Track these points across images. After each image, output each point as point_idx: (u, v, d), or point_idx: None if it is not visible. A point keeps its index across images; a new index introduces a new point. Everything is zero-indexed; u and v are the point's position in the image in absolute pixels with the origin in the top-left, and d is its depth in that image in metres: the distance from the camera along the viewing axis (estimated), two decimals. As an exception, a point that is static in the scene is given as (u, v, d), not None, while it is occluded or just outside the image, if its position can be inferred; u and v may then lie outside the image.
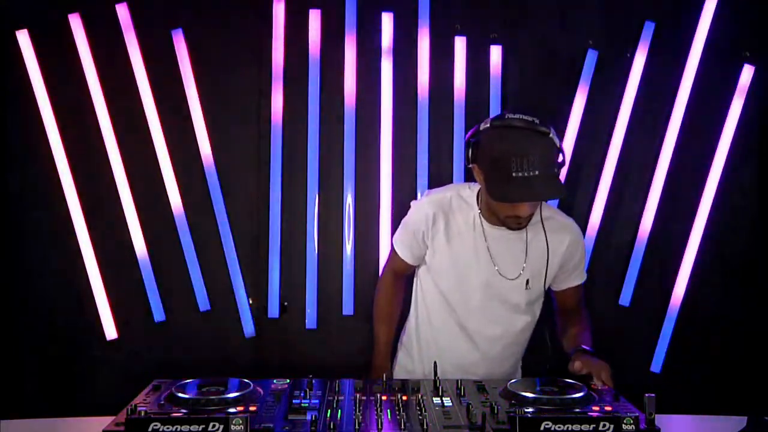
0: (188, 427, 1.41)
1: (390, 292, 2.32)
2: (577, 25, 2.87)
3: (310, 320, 2.84)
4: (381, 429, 1.50)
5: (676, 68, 2.83)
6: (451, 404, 1.67)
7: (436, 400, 1.70)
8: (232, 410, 1.56)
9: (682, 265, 2.84)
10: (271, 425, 1.50)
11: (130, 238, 2.80)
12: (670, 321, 2.84)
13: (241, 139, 2.85)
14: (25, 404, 2.80)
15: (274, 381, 1.84)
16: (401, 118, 2.84)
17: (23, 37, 2.76)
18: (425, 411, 1.60)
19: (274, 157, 2.82)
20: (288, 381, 1.84)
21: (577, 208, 2.86)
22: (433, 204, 2.10)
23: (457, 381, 1.79)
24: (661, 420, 1.51)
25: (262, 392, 1.72)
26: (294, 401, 1.66)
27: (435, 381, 1.81)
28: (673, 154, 2.83)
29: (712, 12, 2.82)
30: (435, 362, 1.89)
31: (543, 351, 2.14)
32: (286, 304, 2.85)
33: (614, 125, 2.84)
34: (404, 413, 1.59)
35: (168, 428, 1.41)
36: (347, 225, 2.83)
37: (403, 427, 1.52)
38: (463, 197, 2.10)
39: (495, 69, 2.85)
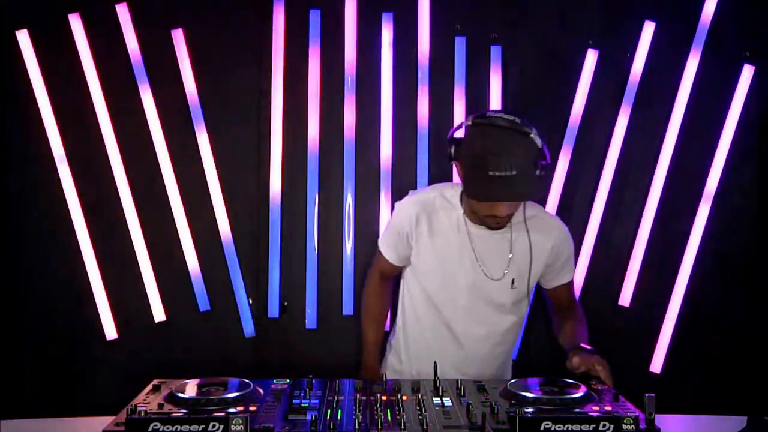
0: (188, 427, 1.41)
1: (377, 294, 2.31)
2: (577, 25, 2.87)
3: (310, 320, 2.84)
4: (381, 429, 1.50)
5: (676, 68, 2.83)
6: (451, 404, 1.67)
7: (436, 400, 1.70)
8: (232, 410, 1.56)
9: (682, 265, 2.84)
10: (271, 425, 1.50)
11: (130, 238, 2.80)
12: (670, 321, 2.84)
13: (241, 139, 2.85)
14: (25, 404, 2.80)
15: (274, 381, 1.84)
16: (401, 118, 2.84)
17: (23, 37, 2.76)
18: (425, 411, 1.60)
19: (274, 157, 2.82)
20: (288, 381, 1.84)
21: (577, 208, 2.86)
22: (416, 205, 2.10)
23: (457, 381, 1.79)
24: (661, 420, 1.51)
25: (262, 392, 1.72)
26: (294, 401, 1.66)
27: (435, 381, 1.81)
28: (673, 154, 2.83)
29: (712, 12, 2.82)
30: (435, 362, 1.89)
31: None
32: (286, 304, 2.85)
33: (614, 125, 2.84)
34: (404, 413, 1.59)
35: (168, 428, 1.41)
36: (347, 225, 2.83)
37: (403, 427, 1.52)
38: (446, 197, 2.09)
39: (495, 69, 2.85)
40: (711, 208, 2.83)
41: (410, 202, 2.13)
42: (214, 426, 1.41)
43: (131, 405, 1.51)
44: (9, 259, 2.80)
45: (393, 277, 2.30)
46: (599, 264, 2.86)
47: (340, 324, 2.83)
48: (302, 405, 1.63)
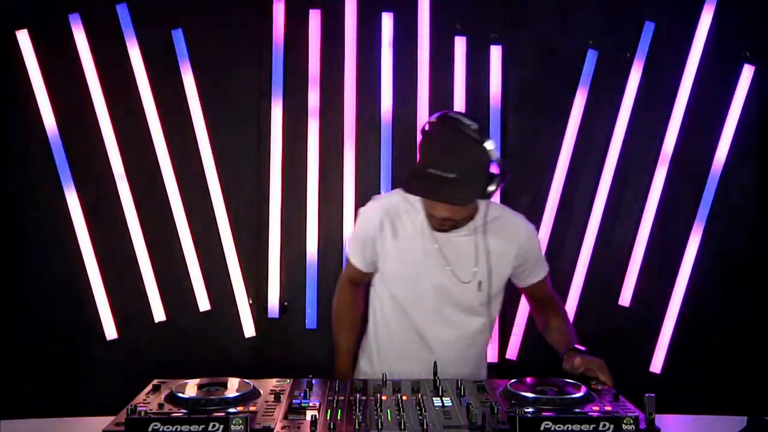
0: (188, 427, 1.41)
1: (348, 301, 2.28)
2: (577, 25, 2.87)
3: (310, 320, 2.84)
4: (381, 429, 1.50)
5: (676, 68, 2.83)
6: (451, 404, 1.67)
7: (436, 400, 1.69)
8: (232, 410, 1.56)
9: (682, 265, 2.84)
10: (271, 425, 1.50)
11: (130, 238, 2.80)
12: (670, 321, 2.84)
13: (241, 139, 2.85)
14: (25, 404, 2.80)
15: (274, 381, 1.84)
16: (401, 117, 2.84)
17: (23, 37, 2.76)
18: (425, 411, 1.60)
19: (274, 157, 2.82)
20: (288, 381, 1.84)
21: (577, 208, 2.86)
22: (379, 210, 2.06)
23: (457, 381, 1.79)
24: (661, 420, 1.51)
25: (262, 392, 1.72)
26: (294, 401, 1.65)
27: (435, 381, 1.81)
28: (673, 154, 2.83)
29: (712, 12, 2.82)
30: (435, 362, 1.89)
31: None
32: (286, 304, 2.85)
33: (614, 125, 2.84)
34: (404, 413, 1.59)
35: (168, 428, 1.41)
36: (347, 225, 2.83)
37: (403, 427, 1.52)
38: (410, 201, 2.05)
39: (495, 69, 2.85)
40: (711, 208, 2.83)
41: (373, 207, 2.10)
42: (214, 426, 1.41)
43: (131, 405, 1.50)
44: (9, 259, 2.80)
45: (364, 284, 2.27)
46: (599, 264, 2.86)
47: (340, 324, 2.83)
48: (302, 405, 1.63)
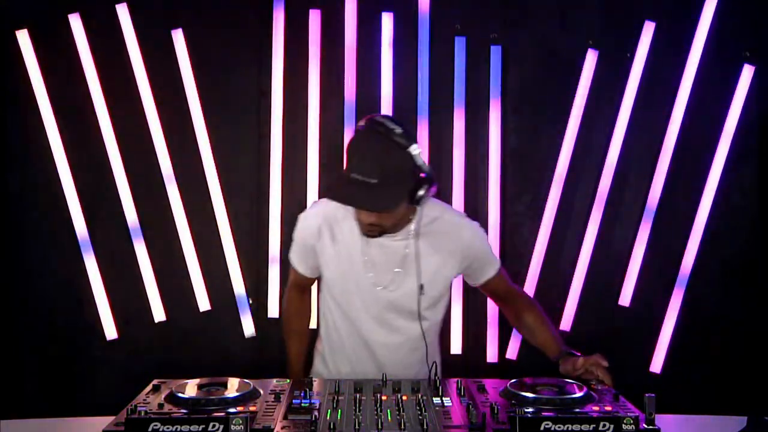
0: (188, 427, 1.41)
1: (295, 307, 2.27)
2: (577, 25, 2.87)
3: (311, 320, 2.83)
4: (381, 429, 1.50)
5: (676, 68, 2.83)
6: (451, 404, 1.67)
7: (436, 400, 1.69)
8: (232, 410, 1.56)
9: (682, 265, 2.84)
10: (271, 425, 1.50)
11: (130, 238, 2.80)
12: (670, 321, 2.84)
13: (241, 139, 2.85)
14: (25, 404, 2.79)
15: (274, 381, 1.84)
16: (401, 118, 2.82)
17: (23, 37, 2.76)
18: (425, 411, 1.60)
19: (274, 157, 2.82)
20: (288, 381, 1.84)
21: (577, 208, 2.86)
22: (318, 216, 2.04)
23: (458, 381, 1.80)
24: (661, 420, 1.50)
25: (262, 392, 1.72)
26: (294, 401, 1.65)
27: (435, 381, 1.81)
28: (673, 154, 2.83)
29: (712, 12, 2.82)
30: (434, 362, 1.89)
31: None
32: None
33: (614, 125, 2.84)
34: (404, 413, 1.59)
35: (168, 428, 1.41)
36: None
37: (403, 427, 1.52)
38: (348, 207, 1.99)
39: (495, 69, 2.85)
40: (711, 208, 2.83)
41: (312, 213, 2.08)
42: (214, 426, 1.41)
43: (131, 405, 1.51)
44: (9, 259, 2.80)
45: (311, 288, 2.27)
46: (599, 264, 2.86)
47: (340, 324, 2.83)
48: (302, 405, 1.63)
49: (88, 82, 2.78)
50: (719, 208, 2.84)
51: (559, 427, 1.42)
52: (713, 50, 2.82)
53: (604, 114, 2.85)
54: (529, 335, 2.13)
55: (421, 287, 2.00)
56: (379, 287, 2.00)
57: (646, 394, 1.49)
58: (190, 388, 1.69)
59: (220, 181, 2.83)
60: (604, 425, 1.43)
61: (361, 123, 1.85)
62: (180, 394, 1.64)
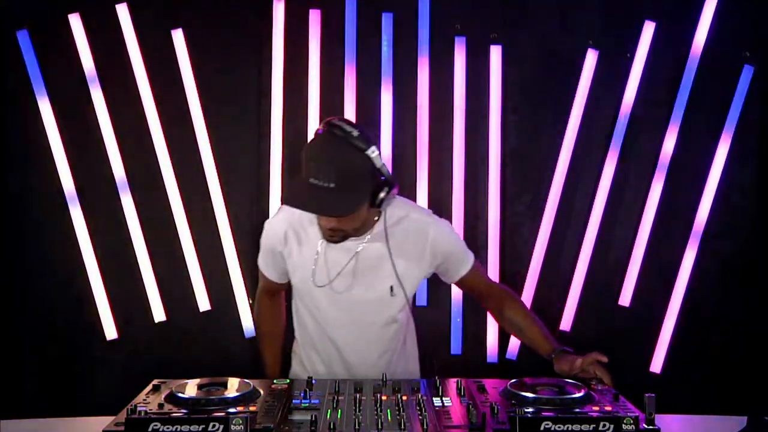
0: (188, 427, 1.41)
1: (268, 312, 2.25)
2: (577, 25, 2.87)
3: (310, 320, 2.83)
4: (381, 429, 1.50)
5: (676, 68, 2.83)
6: (451, 404, 1.67)
7: (436, 400, 1.69)
8: (232, 410, 1.56)
9: (682, 265, 2.84)
10: (271, 425, 1.50)
11: (130, 238, 2.80)
12: (670, 321, 2.84)
13: (241, 139, 2.85)
14: (25, 404, 2.80)
15: (274, 381, 1.84)
16: (401, 118, 2.85)
17: (23, 37, 2.76)
18: (425, 411, 1.60)
19: (274, 157, 2.82)
20: (288, 381, 1.84)
21: (577, 208, 2.86)
22: (283, 222, 2.02)
23: (458, 381, 1.79)
24: (661, 420, 1.51)
25: (262, 392, 1.72)
26: (294, 401, 1.66)
27: (435, 381, 1.81)
28: (673, 154, 2.83)
29: (712, 12, 2.82)
30: (434, 361, 1.88)
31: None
32: (286, 304, 2.84)
33: (614, 125, 2.84)
34: (404, 413, 1.59)
35: (168, 428, 1.41)
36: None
37: (403, 427, 1.52)
38: None
39: (495, 69, 2.85)
40: (711, 208, 2.83)
41: (277, 220, 2.04)
42: (214, 426, 1.41)
43: (131, 405, 1.50)
44: (9, 259, 2.80)
45: (282, 293, 2.25)
46: (599, 264, 2.86)
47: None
48: (302, 405, 1.63)
49: (88, 82, 2.78)
50: (719, 208, 2.84)
51: (559, 427, 1.42)
52: (713, 50, 2.82)
53: (604, 114, 2.85)
54: (517, 332, 2.10)
55: (391, 288, 1.99)
56: (346, 291, 1.98)
57: (646, 394, 1.49)
58: (190, 388, 1.69)
59: (220, 181, 2.83)
60: (604, 425, 1.43)
61: (319, 127, 1.81)
62: (180, 394, 1.64)
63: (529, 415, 1.46)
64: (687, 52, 2.83)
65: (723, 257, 2.86)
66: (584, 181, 2.87)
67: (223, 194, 2.83)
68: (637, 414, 1.47)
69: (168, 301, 2.84)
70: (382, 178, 1.82)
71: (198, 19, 2.83)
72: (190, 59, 2.81)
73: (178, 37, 2.81)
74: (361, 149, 1.76)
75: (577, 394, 1.67)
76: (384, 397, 1.68)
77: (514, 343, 2.86)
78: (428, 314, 2.85)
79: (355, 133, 1.77)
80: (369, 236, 1.96)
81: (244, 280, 2.84)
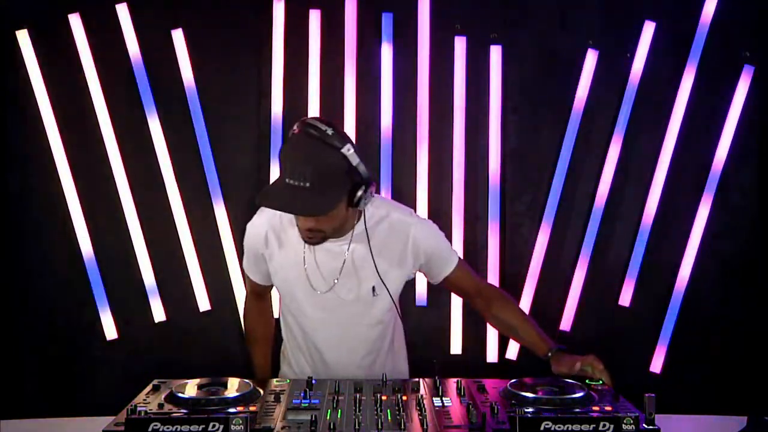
0: (188, 427, 1.41)
1: (254, 314, 2.25)
2: (577, 25, 2.87)
3: (310, 320, 2.83)
4: (381, 429, 1.50)
5: (676, 68, 2.83)
6: (451, 404, 1.67)
7: (436, 400, 1.69)
8: (232, 410, 1.56)
9: (682, 265, 2.84)
10: (271, 425, 1.50)
11: (130, 238, 2.80)
12: (670, 321, 2.84)
13: (241, 139, 2.85)
14: (25, 404, 2.79)
15: (274, 381, 1.84)
16: (401, 118, 2.84)
17: (23, 37, 2.76)
18: (425, 411, 1.60)
19: (274, 158, 2.82)
20: (288, 381, 1.84)
21: (577, 208, 2.86)
22: (263, 224, 2.01)
23: (458, 381, 1.80)
24: (661, 420, 1.51)
25: (262, 392, 1.72)
26: (294, 401, 1.66)
27: (435, 381, 1.81)
28: (673, 154, 2.83)
29: (712, 12, 2.82)
30: (435, 361, 1.88)
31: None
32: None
33: (614, 125, 2.84)
34: (404, 413, 1.59)
35: (168, 428, 1.41)
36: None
37: (403, 427, 1.52)
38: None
39: (495, 69, 2.85)
40: (711, 208, 2.83)
41: (259, 221, 2.03)
42: (214, 426, 1.41)
43: (131, 405, 1.51)
44: (9, 259, 2.80)
45: (269, 295, 2.25)
46: (599, 264, 2.86)
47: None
48: (302, 405, 1.63)
49: (88, 82, 2.78)
50: (719, 208, 2.84)
51: (559, 427, 1.42)
52: (713, 50, 2.82)
53: (604, 114, 2.85)
54: (510, 332, 2.10)
55: (373, 289, 1.98)
56: (328, 293, 1.97)
57: (646, 394, 1.49)
58: (190, 388, 1.69)
59: (219, 181, 2.83)
60: (604, 425, 1.43)
61: (295, 127, 1.80)
62: (180, 394, 1.64)
63: (529, 415, 1.46)
64: (687, 52, 2.83)
65: (723, 257, 2.86)
66: (584, 181, 2.87)
67: (223, 194, 2.83)
68: (637, 414, 1.47)
69: (168, 301, 2.83)
70: (359, 176, 1.79)
71: (198, 19, 2.83)
72: (190, 59, 2.81)
73: (178, 37, 2.80)
74: (337, 147, 1.74)
75: (577, 394, 1.67)
76: (384, 397, 1.68)
77: (514, 343, 2.86)
78: (428, 314, 2.86)
79: (330, 131, 1.74)
80: (349, 237, 1.95)
81: (243, 280, 2.83)
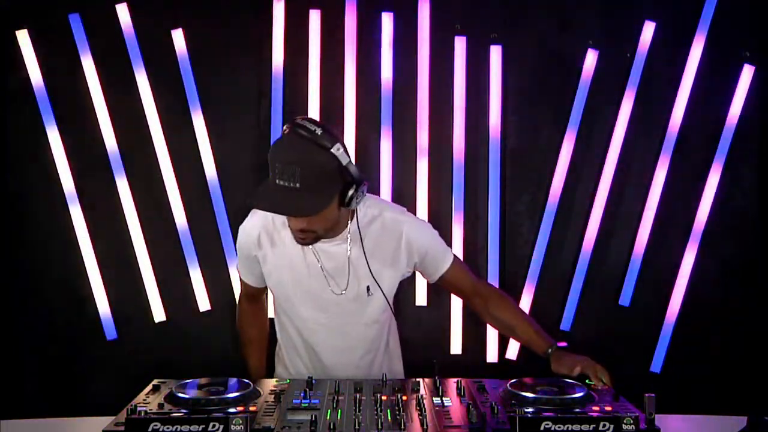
0: (188, 427, 1.41)
1: (248, 317, 2.25)
2: (577, 25, 2.87)
3: (310, 320, 2.83)
4: (381, 429, 1.50)
5: (676, 68, 2.83)
6: (451, 404, 1.67)
7: (436, 400, 1.70)
8: (232, 410, 1.56)
9: (682, 265, 2.84)
10: (271, 425, 1.50)
11: (131, 238, 2.80)
12: (670, 321, 2.84)
13: (241, 139, 2.85)
14: (25, 404, 2.80)
15: (274, 381, 1.84)
16: (401, 118, 2.84)
17: (23, 37, 2.76)
18: (425, 411, 1.60)
19: (274, 157, 2.82)
20: (288, 381, 1.84)
21: (577, 208, 2.86)
22: (256, 225, 2.01)
23: (458, 381, 1.80)
24: (661, 420, 1.51)
25: (262, 392, 1.72)
26: (294, 401, 1.66)
27: (435, 381, 1.81)
28: (673, 154, 2.83)
29: (712, 12, 2.82)
30: (435, 361, 1.88)
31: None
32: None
33: (614, 125, 2.84)
34: (404, 413, 1.59)
35: (168, 428, 1.41)
36: (347, 225, 2.82)
37: (403, 427, 1.52)
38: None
39: (495, 69, 2.85)
40: (711, 208, 2.83)
41: (251, 223, 2.03)
42: (214, 426, 1.41)
43: (131, 405, 1.51)
44: (9, 259, 2.80)
45: (263, 297, 2.24)
46: (599, 264, 2.86)
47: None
48: (302, 405, 1.63)
49: (88, 82, 2.78)
50: (719, 208, 2.84)
51: (559, 427, 1.42)
52: (713, 50, 2.82)
53: (604, 114, 2.85)
54: (508, 331, 2.10)
55: (368, 289, 1.98)
56: (322, 293, 1.97)
57: (646, 394, 1.49)
58: (190, 388, 1.69)
59: (220, 181, 2.83)
60: (604, 425, 1.43)
61: (284, 127, 1.80)
62: (180, 394, 1.64)
63: (529, 415, 1.46)
64: (687, 52, 2.83)
65: (723, 257, 2.86)
66: (584, 181, 2.87)
67: (223, 194, 2.83)
68: (637, 414, 1.47)
69: (168, 301, 2.83)
70: (350, 176, 1.78)
71: (198, 19, 2.83)
72: (190, 59, 2.81)
73: (178, 37, 2.80)
74: (326, 147, 1.73)
75: (577, 394, 1.67)
76: (384, 397, 1.68)
77: (514, 343, 2.86)
78: (428, 314, 2.86)
79: (319, 131, 1.74)
80: (342, 237, 1.95)
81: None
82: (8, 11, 2.77)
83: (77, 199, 2.79)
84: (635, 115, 2.83)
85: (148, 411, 1.51)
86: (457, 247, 2.82)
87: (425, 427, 1.50)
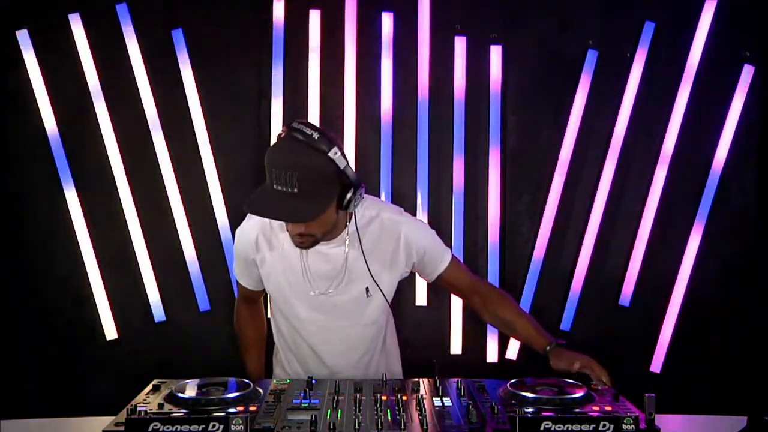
0: (188, 427, 1.41)
1: (246, 319, 2.25)
2: (577, 25, 2.87)
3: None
4: (381, 429, 1.50)
5: (676, 68, 2.83)
6: (451, 404, 1.67)
7: (436, 400, 1.70)
8: (232, 410, 1.56)
9: (682, 265, 2.84)
10: (271, 425, 1.50)
11: (131, 238, 2.80)
12: (670, 321, 2.84)
13: (241, 140, 2.85)
14: (25, 404, 2.80)
15: (274, 381, 1.84)
16: (401, 118, 2.84)
17: (23, 37, 2.76)
18: (425, 411, 1.61)
19: (274, 157, 2.82)
20: (288, 381, 1.84)
21: (577, 208, 2.86)
22: (253, 228, 2.00)
23: (458, 381, 1.80)
24: (661, 420, 1.51)
25: (262, 392, 1.72)
26: (294, 401, 1.66)
27: (435, 381, 1.81)
28: (673, 154, 2.83)
29: (712, 12, 2.82)
30: (434, 361, 1.88)
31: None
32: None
33: (614, 125, 2.84)
34: (404, 413, 1.59)
35: (168, 428, 1.41)
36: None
37: (403, 427, 1.52)
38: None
39: (495, 69, 2.85)
40: (711, 208, 2.83)
41: (249, 226, 2.01)
42: (214, 426, 1.41)
43: (131, 405, 1.51)
44: (9, 259, 2.80)
45: (260, 300, 2.24)
46: (599, 264, 2.86)
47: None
48: (302, 405, 1.63)
49: (88, 82, 2.78)
50: (719, 208, 2.84)
51: (559, 427, 1.42)
52: (713, 50, 2.82)
53: (604, 114, 2.85)
54: (507, 329, 2.10)
55: (367, 290, 1.98)
56: (321, 295, 1.97)
57: (646, 394, 1.49)
58: (190, 388, 1.69)
59: (220, 181, 2.83)
60: (604, 425, 1.43)
61: (281, 131, 1.80)
62: (180, 394, 1.64)
63: (529, 415, 1.46)
64: (687, 52, 2.83)
65: (723, 257, 2.86)
66: (584, 181, 2.87)
67: (222, 194, 2.83)
68: (637, 414, 1.47)
69: (168, 301, 2.83)
70: (347, 179, 1.78)
71: (198, 19, 2.83)
72: (190, 59, 2.81)
73: (178, 37, 2.80)
74: (323, 151, 1.73)
75: (577, 394, 1.67)
76: (384, 397, 1.68)
77: (514, 343, 2.86)
78: (428, 314, 2.86)
79: (316, 135, 1.73)
80: (341, 238, 1.94)
81: (243, 280, 2.84)
82: (8, 11, 2.77)
83: (77, 199, 2.79)
84: (635, 115, 2.83)
85: (148, 411, 1.51)
86: (457, 247, 2.82)
87: (425, 427, 1.50)
